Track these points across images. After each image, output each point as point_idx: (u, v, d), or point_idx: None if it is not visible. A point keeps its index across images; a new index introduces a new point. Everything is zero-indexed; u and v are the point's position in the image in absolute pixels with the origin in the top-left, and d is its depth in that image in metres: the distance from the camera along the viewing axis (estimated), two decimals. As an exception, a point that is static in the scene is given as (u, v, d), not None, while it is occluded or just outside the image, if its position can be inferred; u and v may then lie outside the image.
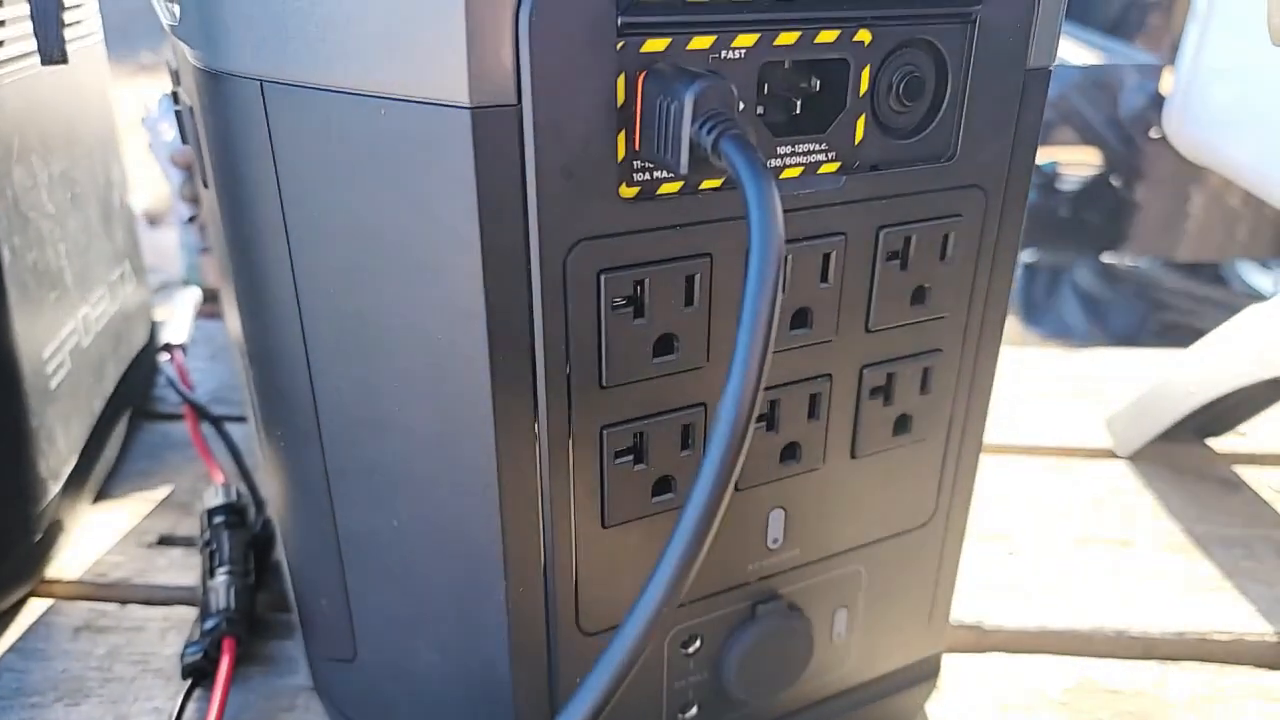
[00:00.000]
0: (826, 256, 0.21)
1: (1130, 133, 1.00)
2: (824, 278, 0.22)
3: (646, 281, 0.20)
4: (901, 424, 0.25)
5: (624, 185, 0.19)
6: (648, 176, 0.19)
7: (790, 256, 0.21)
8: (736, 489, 0.23)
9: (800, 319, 0.22)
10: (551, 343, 0.19)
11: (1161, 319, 1.00)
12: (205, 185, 0.23)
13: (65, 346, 0.35)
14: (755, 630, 0.25)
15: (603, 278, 0.19)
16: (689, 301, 0.20)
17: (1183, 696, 0.32)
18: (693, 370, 0.21)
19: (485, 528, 0.21)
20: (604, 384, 0.20)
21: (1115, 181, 1.02)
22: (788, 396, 0.22)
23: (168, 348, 0.44)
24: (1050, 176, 1.06)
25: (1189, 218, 0.97)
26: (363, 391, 0.22)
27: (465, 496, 0.21)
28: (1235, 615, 0.35)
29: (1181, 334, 0.45)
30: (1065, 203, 1.05)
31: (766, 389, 0.22)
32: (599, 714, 0.16)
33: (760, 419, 0.22)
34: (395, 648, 0.25)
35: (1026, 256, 1.14)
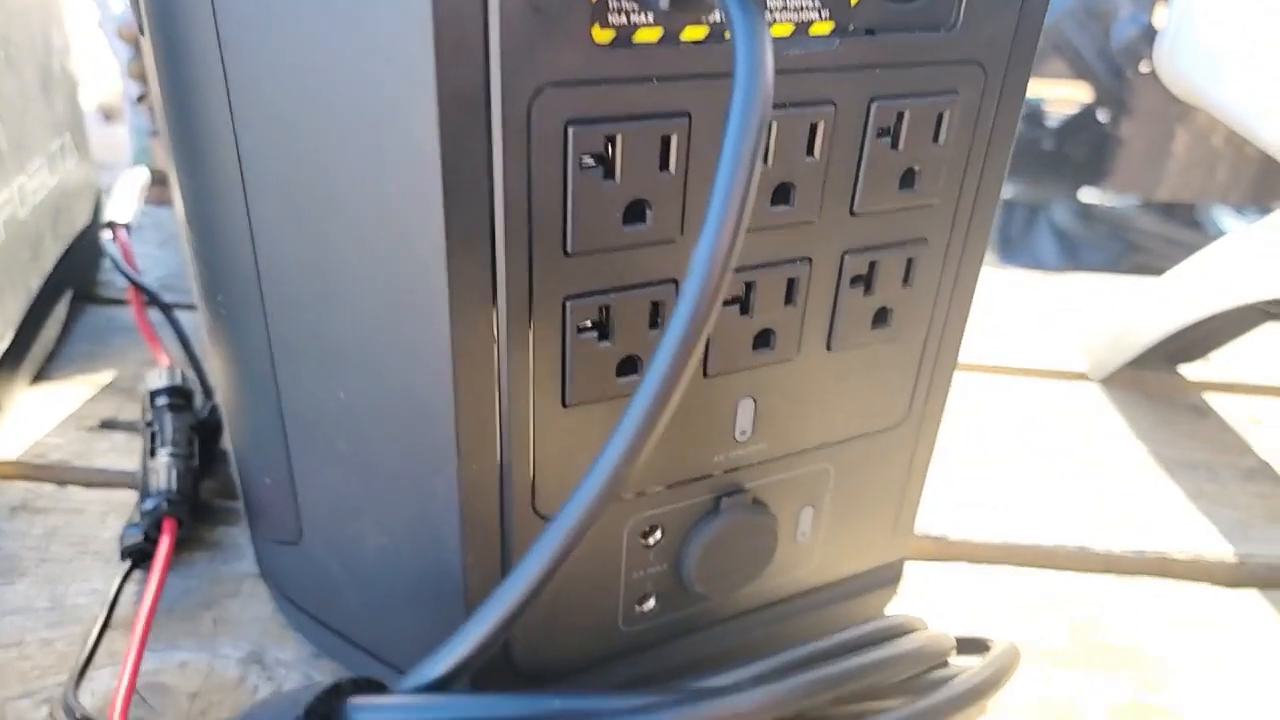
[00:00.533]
0: (814, 127, 0.20)
1: (1120, 65, 0.98)
2: (810, 150, 0.20)
3: (619, 139, 0.18)
4: (881, 317, 0.23)
5: (597, 27, 0.17)
6: (624, 20, 0.17)
7: (775, 124, 0.19)
8: (705, 375, 0.22)
9: (782, 195, 0.20)
10: (513, 201, 0.18)
11: (1134, 260, 1.00)
12: (142, 31, 0.21)
13: (-1, 215, 0.33)
14: (718, 524, 0.24)
15: (571, 130, 0.18)
16: (664, 165, 0.19)
17: (1141, 609, 0.32)
18: (665, 243, 0.20)
19: (437, 402, 0.20)
20: (569, 251, 0.19)
21: (1101, 116, 1.01)
22: (764, 279, 0.21)
23: (111, 226, 0.42)
24: (1036, 110, 1.04)
25: (1172, 157, 0.96)
26: (308, 254, 0.20)
27: (416, 369, 0.20)
28: (1196, 536, 0.35)
29: (1153, 275, 0.45)
30: (1049, 136, 1.04)
31: (742, 269, 0.21)
32: (536, 593, 0.15)
33: (733, 301, 0.21)
34: (342, 529, 0.24)
35: (1004, 193, 1.13)
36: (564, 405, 0.20)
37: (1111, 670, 0.30)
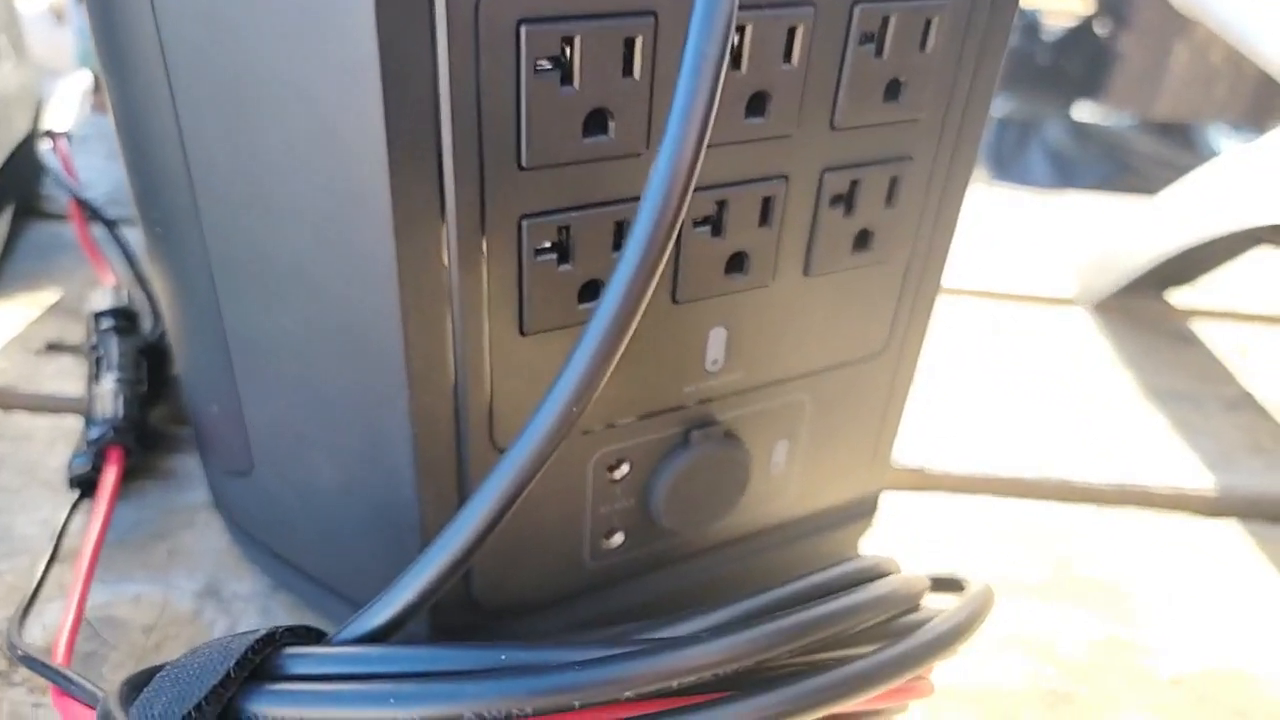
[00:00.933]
0: (791, 31, 0.18)
1: (1121, -25, 0.95)
2: (787, 57, 0.18)
3: (577, 40, 0.16)
4: (862, 240, 0.22)
5: (553, -89, 0.15)
6: (583, -96, 0.15)
7: (750, 27, 0.18)
8: (675, 301, 0.21)
9: (756, 106, 0.19)
10: (460, 109, 0.16)
11: (1128, 181, 0.98)
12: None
13: (-73, 123, 0.31)
14: (688, 457, 0.23)
15: (524, 29, 0.16)
16: (627, 70, 0.17)
17: (1121, 541, 0.32)
18: (629, 157, 0.18)
19: (383, 329, 0.18)
20: (524, 164, 0.17)
21: (1099, 29, 0.98)
22: (737, 198, 0.20)
23: (50, 135, 0.40)
24: (1033, 22, 1.01)
25: (1169, 74, 0.93)
26: (241, 166, 0.18)
27: (360, 292, 0.18)
28: (1179, 468, 0.35)
29: (1146, 197, 0.44)
30: (1045, 51, 1.01)
31: (713, 187, 0.20)
32: (482, 539, 0.13)
33: (704, 222, 0.20)
34: (293, 460, 0.22)
35: (997, 109, 1.11)
36: (522, 333, 0.19)
37: (1090, 604, 0.29)
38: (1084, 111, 1.08)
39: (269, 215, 0.19)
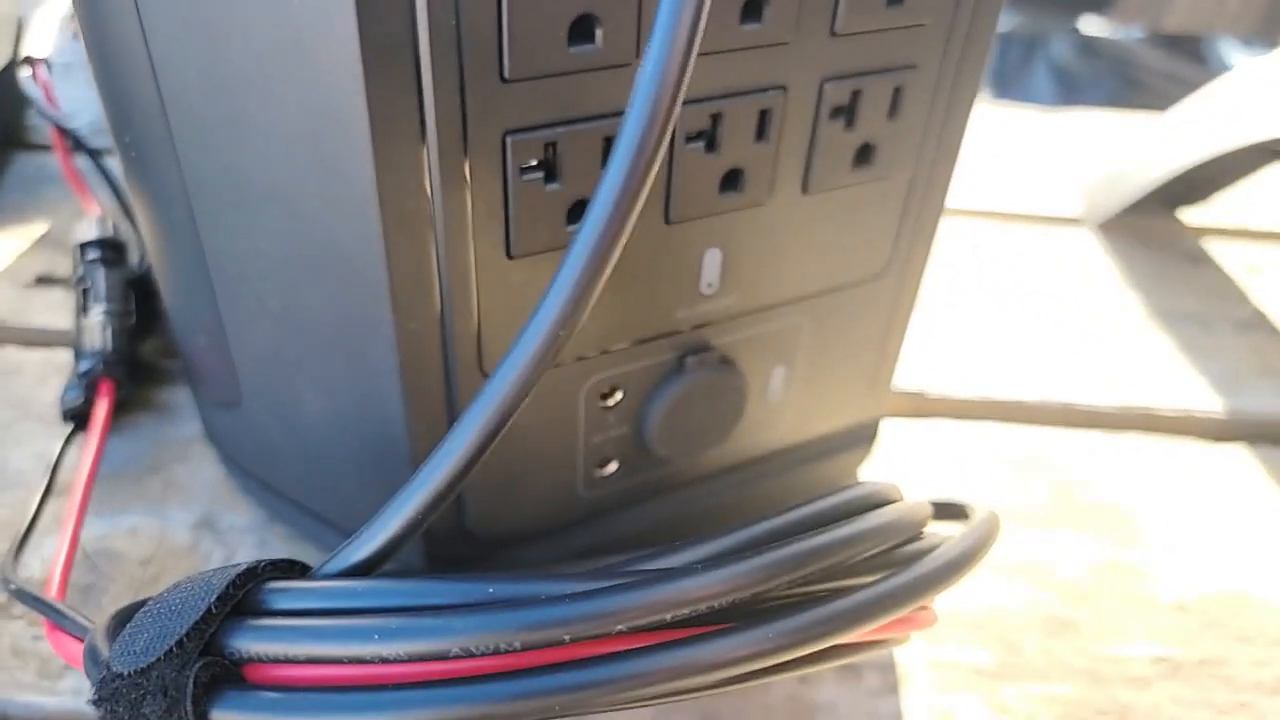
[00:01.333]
0: (789, -71, 0.17)
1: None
2: (784, -42, 0.17)
3: (559, -60, 0.15)
4: (863, 155, 0.21)
5: None
6: None
7: (745, -75, 0.17)
8: (668, 222, 0.20)
9: (753, 11, 0.18)
10: (438, 16, 0.15)
11: (1136, 98, 0.96)
12: None
13: (-103, 49, 0.30)
14: (682, 384, 0.22)
15: (499, -73, 0.15)
16: (614, -27, 0.16)
17: (1126, 466, 0.31)
18: (618, 67, 0.17)
19: (366, 252, 0.18)
20: (506, 76, 0.16)
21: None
22: (732, 110, 0.19)
23: (30, 61, 0.38)
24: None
25: (1182, -15, 0.90)
26: (213, 83, 0.18)
27: (341, 215, 0.18)
28: (1186, 391, 0.34)
29: (1155, 113, 0.42)
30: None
31: (707, 99, 0.19)
32: (479, 455, 0.13)
33: (698, 136, 0.19)
34: (279, 390, 0.22)
35: (1000, 24, 1.07)
36: (509, 256, 0.19)
37: (1092, 529, 0.29)
38: (1092, 25, 1.04)
39: (243, 135, 0.18)
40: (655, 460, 0.24)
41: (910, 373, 0.34)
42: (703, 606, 0.12)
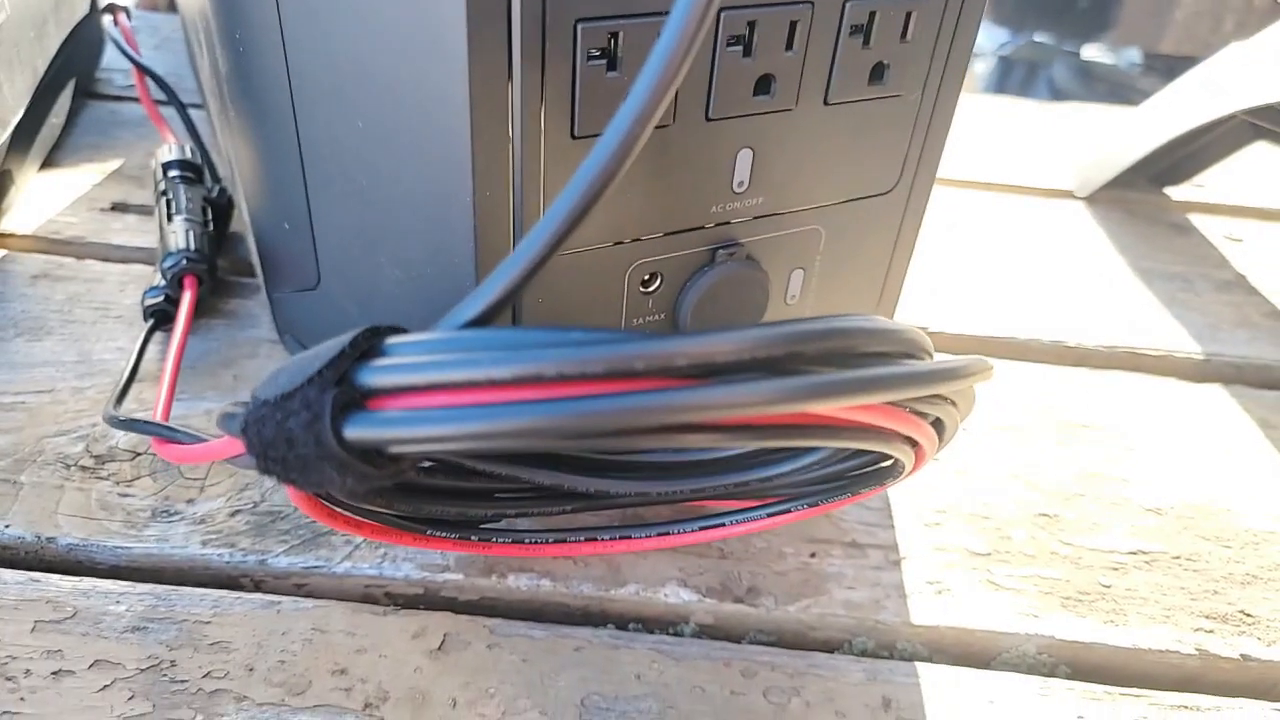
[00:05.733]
0: None
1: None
2: (816, -117, 0.21)
3: None
4: (877, 73, 0.24)
5: None
6: None
7: None
8: (707, 119, 0.23)
9: (788, -70, 0.21)
10: (527, -89, 0.18)
11: (1134, 118, 0.99)
12: None
13: (2, -12, 0.33)
14: (713, 275, 0.25)
15: None
16: (675, -117, 0.19)
17: (1111, 399, 0.34)
18: (674, -30, 0.20)
19: (454, 125, 0.20)
20: (581, -32, 0.19)
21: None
22: (766, 19, 0.22)
23: (111, 9, 0.42)
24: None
25: (1178, 6, 0.94)
26: (326, -24, 0.21)
27: (433, 91, 0.20)
28: (1167, 337, 0.37)
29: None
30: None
31: (744, 6, 0.22)
32: (578, 221, 0.16)
33: (736, 41, 0.22)
34: (358, 267, 0.25)
35: (1003, 48, 1.11)
36: (573, 137, 0.21)
37: (1076, 447, 0.32)
38: (1091, 51, 1.09)
39: (350, 21, 0.21)
40: (687, 343, 0.26)
41: (912, 312, 0.37)
42: (746, 356, 0.15)
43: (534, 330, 0.15)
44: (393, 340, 0.16)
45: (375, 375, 0.15)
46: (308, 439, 0.15)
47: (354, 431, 0.15)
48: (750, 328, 0.15)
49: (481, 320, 0.16)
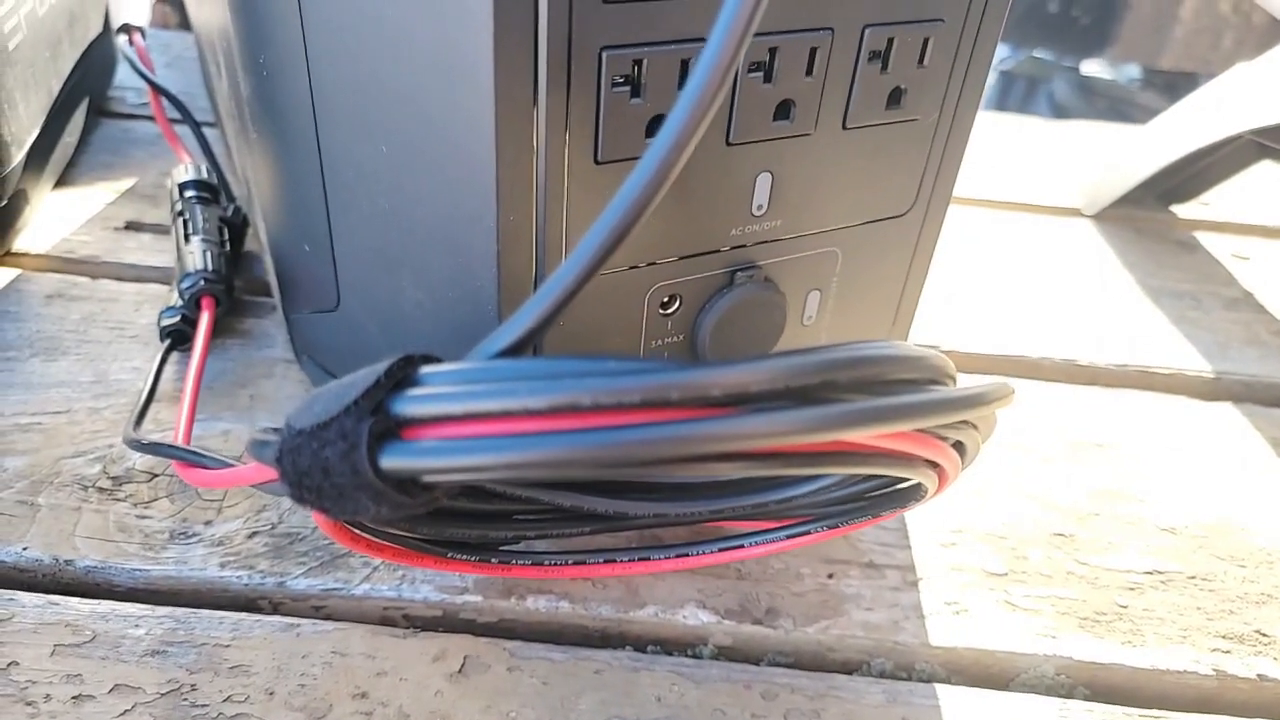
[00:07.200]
0: (843, -113, 0.21)
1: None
2: (838, -88, 0.21)
3: (659, -119, 0.19)
4: (895, 97, 0.24)
5: None
6: None
7: (806, -119, 0.20)
8: (728, 143, 0.23)
9: (809, -42, 0.21)
10: (556, -59, 0.18)
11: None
12: None
13: (20, 9, 0.33)
14: (731, 297, 0.25)
15: None
16: (700, -86, 0.19)
17: (1122, 417, 0.34)
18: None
19: (479, 149, 0.21)
20: (607, -2, 0.20)
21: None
22: (787, 46, 0.22)
23: (126, 29, 0.42)
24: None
25: (1178, 22, 0.95)
26: (352, 6, 0.21)
27: (459, 115, 0.21)
28: (1177, 355, 0.37)
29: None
30: None
31: (766, 34, 0.22)
32: (609, 252, 0.16)
33: (757, 66, 0.22)
34: (379, 289, 0.25)
35: (1004, 63, 1.12)
36: (596, 162, 0.22)
37: (1091, 464, 0.32)
38: (1091, 67, 1.09)
39: (375, 43, 0.21)
40: (706, 365, 0.26)
41: (925, 331, 0.37)
42: (780, 385, 0.15)
43: (568, 360, 0.15)
44: (427, 370, 0.16)
45: (411, 405, 0.15)
46: (344, 468, 0.15)
47: (390, 461, 0.15)
48: (782, 356, 0.15)
49: (514, 349, 0.16)
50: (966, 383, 0.18)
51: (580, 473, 0.14)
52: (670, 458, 0.14)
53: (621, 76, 0.21)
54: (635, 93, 0.21)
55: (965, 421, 0.19)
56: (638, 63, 0.21)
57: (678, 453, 0.14)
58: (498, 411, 0.14)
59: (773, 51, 0.22)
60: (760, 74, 0.22)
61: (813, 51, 0.23)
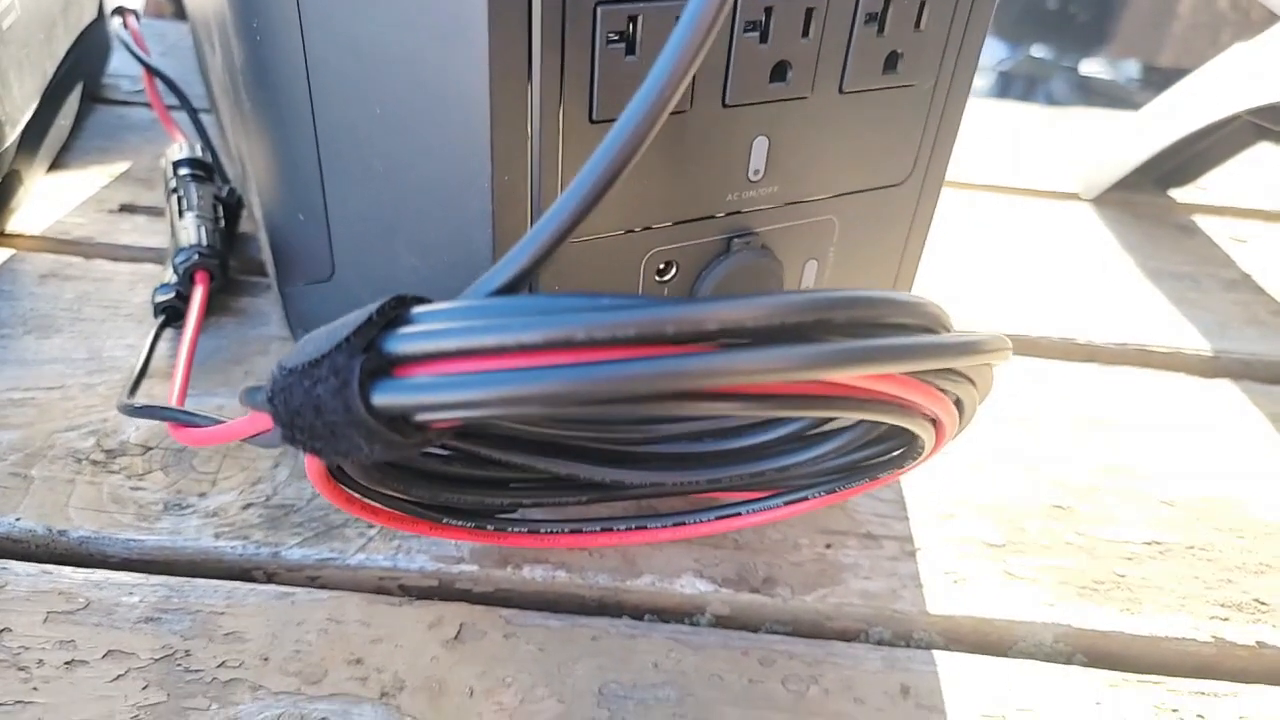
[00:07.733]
0: None
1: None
2: None
3: None
4: (891, 62, 0.24)
5: None
6: None
7: None
8: (725, 105, 0.23)
9: (804, -85, 0.21)
10: (549, -108, 0.18)
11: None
12: None
13: (14, -12, 0.33)
14: (728, 264, 0.25)
15: None
16: None
17: (1121, 393, 0.34)
18: (692, -46, 0.20)
19: (474, 108, 0.21)
20: (602, -49, 0.19)
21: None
22: (782, 6, 0.22)
23: (120, 12, 0.42)
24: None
25: (1176, 19, 0.95)
26: (346, -38, 0.21)
27: (453, 71, 0.21)
28: (1176, 333, 0.37)
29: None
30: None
31: (762, -8, 0.22)
32: (601, 193, 0.16)
33: (753, 26, 0.22)
34: (374, 256, 0.25)
35: (1002, 63, 1.12)
36: (591, 120, 0.21)
37: (1090, 438, 0.32)
38: (1090, 66, 1.10)
39: (369, 5, 0.21)
40: (702, 332, 0.26)
41: (923, 311, 0.37)
42: (775, 322, 0.15)
43: (562, 297, 0.15)
44: (419, 309, 0.15)
45: (403, 342, 0.15)
46: (336, 405, 0.15)
47: (382, 397, 0.15)
48: (778, 294, 0.15)
49: (508, 289, 0.16)
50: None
51: (575, 408, 0.14)
52: (664, 392, 0.14)
53: (616, 33, 0.21)
54: (630, 49, 0.21)
55: (962, 374, 0.19)
56: (633, 19, 0.21)
57: (672, 387, 0.14)
58: (491, 347, 0.14)
59: (768, 10, 0.22)
60: (756, 34, 0.22)
61: (809, 12, 0.22)
